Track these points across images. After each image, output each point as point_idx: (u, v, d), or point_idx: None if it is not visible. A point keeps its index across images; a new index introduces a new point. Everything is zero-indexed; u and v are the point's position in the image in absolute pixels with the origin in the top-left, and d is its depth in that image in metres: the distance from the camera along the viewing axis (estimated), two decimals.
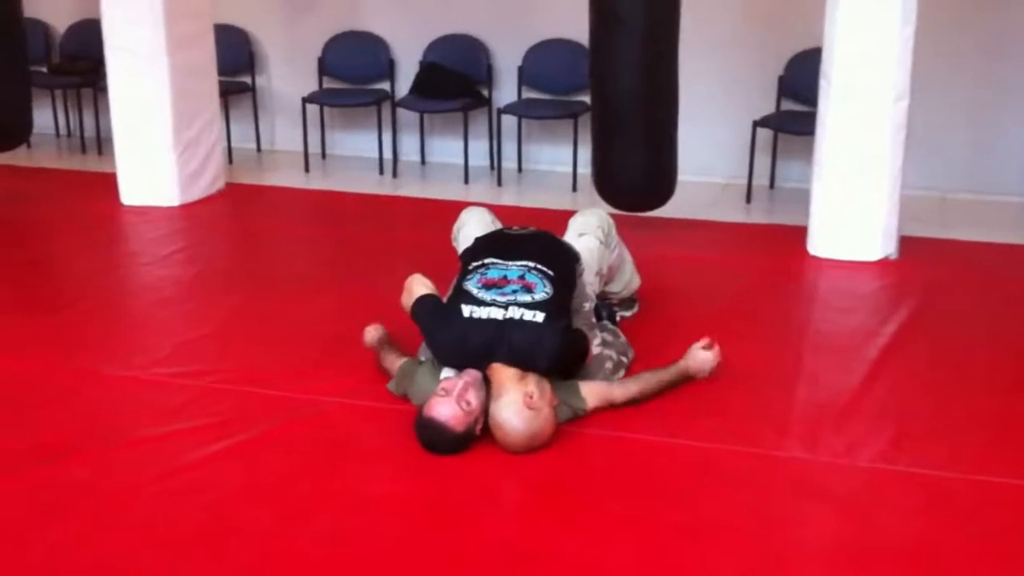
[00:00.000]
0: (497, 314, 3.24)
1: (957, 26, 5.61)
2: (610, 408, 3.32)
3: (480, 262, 3.45)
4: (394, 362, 3.51)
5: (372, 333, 3.64)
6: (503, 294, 3.30)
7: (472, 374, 3.15)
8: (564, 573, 2.62)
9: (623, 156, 4.93)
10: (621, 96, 4.82)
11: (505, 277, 3.37)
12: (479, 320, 3.24)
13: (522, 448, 3.08)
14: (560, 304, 3.35)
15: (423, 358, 3.46)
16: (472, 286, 3.36)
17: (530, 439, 3.08)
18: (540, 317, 3.23)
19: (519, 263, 3.40)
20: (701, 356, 3.47)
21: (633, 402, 3.35)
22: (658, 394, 3.39)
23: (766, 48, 5.91)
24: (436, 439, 3.08)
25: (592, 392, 3.31)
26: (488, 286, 3.34)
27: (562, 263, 3.48)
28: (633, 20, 4.70)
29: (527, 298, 3.29)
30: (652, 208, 5.12)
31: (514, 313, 3.23)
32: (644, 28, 4.72)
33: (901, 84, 4.63)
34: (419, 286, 3.45)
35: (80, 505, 2.90)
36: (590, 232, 3.73)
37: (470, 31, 6.46)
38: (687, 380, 3.47)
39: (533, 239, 3.59)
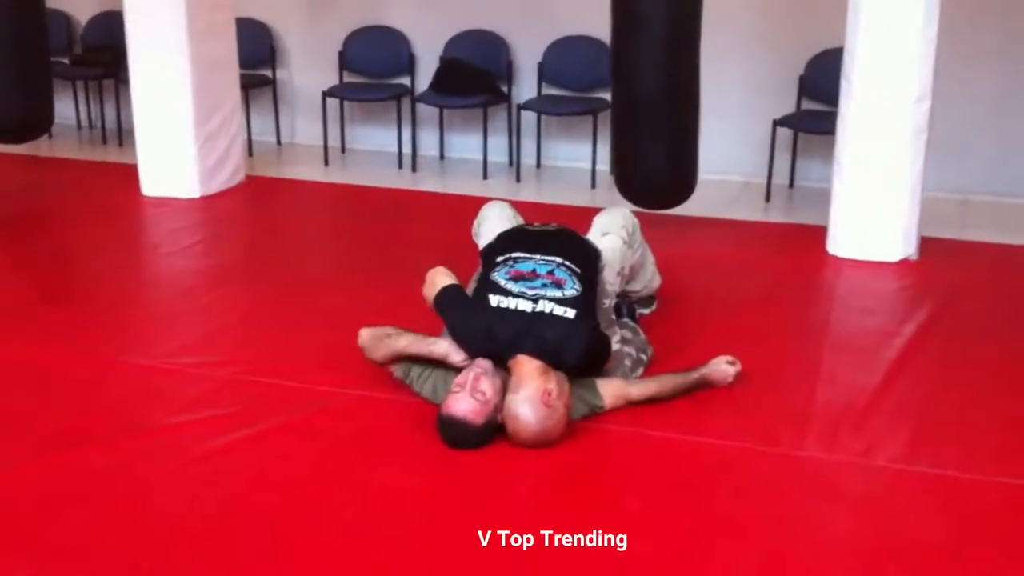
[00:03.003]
0: (526, 306, 3.24)
1: (980, 28, 5.58)
2: (627, 405, 3.33)
3: (507, 255, 3.45)
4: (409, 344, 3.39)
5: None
6: (531, 287, 3.30)
7: (482, 364, 3.14)
8: (582, 569, 2.62)
9: (645, 153, 4.92)
10: (644, 94, 4.81)
11: (534, 271, 3.37)
12: (507, 311, 3.24)
13: (531, 443, 3.08)
14: (588, 303, 3.35)
15: None
16: (500, 277, 3.36)
17: (541, 435, 3.07)
18: (571, 314, 3.24)
19: (547, 258, 3.40)
20: (723, 369, 3.45)
21: (649, 401, 3.35)
22: (674, 397, 3.39)
23: (787, 47, 5.90)
24: (458, 436, 3.08)
25: (609, 390, 3.31)
26: (516, 278, 3.34)
27: (586, 260, 3.48)
28: (655, 18, 4.69)
29: (557, 293, 3.29)
30: (672, 205, 5.12)
31: (544, 307, 3.24)
32: (666, 27, 4.72)
33: (923, 85, 4.61)
34: (442, 277, 3.42)
35: (99, 494, 2.92)
36: (614, 231, 3.73)
37: (490, 27, 6.47)
38: (704, 387, 3.46)
39: (557, 236, 3.59)
